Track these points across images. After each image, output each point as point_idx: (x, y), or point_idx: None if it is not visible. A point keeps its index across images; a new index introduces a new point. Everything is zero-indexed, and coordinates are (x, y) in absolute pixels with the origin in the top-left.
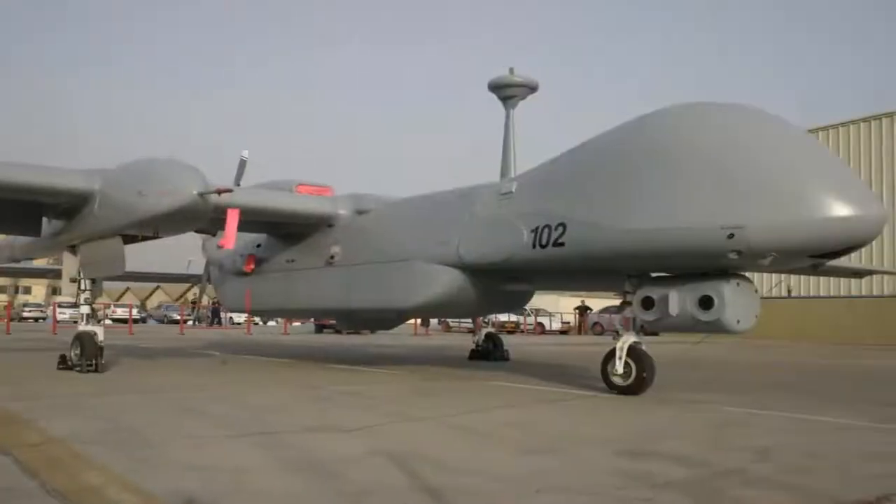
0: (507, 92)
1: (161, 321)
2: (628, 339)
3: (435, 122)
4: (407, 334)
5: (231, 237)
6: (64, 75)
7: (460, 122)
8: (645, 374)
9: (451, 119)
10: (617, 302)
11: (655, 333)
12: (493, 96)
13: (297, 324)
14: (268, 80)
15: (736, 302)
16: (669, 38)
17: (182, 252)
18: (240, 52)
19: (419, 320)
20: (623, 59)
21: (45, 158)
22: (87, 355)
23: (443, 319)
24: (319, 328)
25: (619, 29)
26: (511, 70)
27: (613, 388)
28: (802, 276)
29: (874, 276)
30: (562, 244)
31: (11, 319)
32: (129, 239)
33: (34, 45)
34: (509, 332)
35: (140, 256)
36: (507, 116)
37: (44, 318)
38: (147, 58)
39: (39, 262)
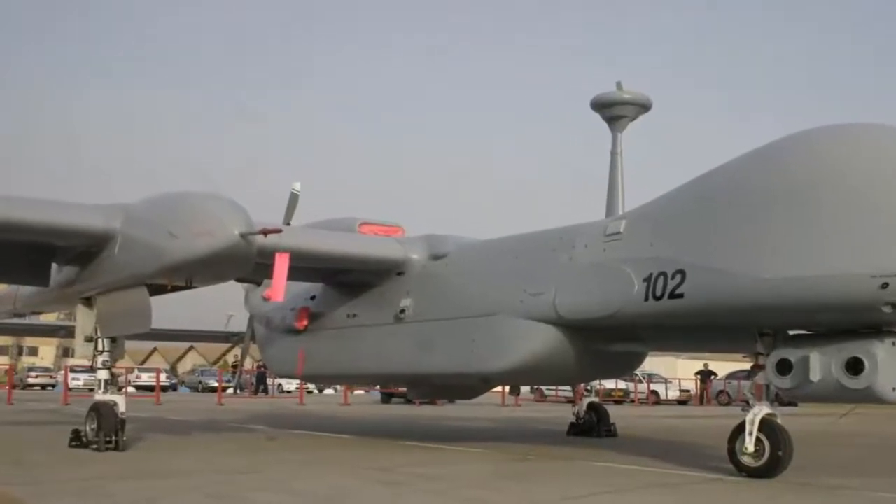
0: (614, 111)
1: (195, 389)
2: (760, 410)
3: (525, 147)
4: (492, 405)
5: (280, 287)
6: (77, 87)
7: (556, 147)
8: (780, 453)
9: (545, 144)
10: (747, 366)
11: (793, 404)
12: (597, 116)
13: (359, 392)
14: (322, 98)
15: (891, 365)
16: (813, 50)
17: (220, 306)
18: (287, 64)
19: (507, 388)
20: (754, 74)
21: (53, 191)
22: (105, 430)
23: (536, 387)
24: (387, 397)
25: (751, 37)
26: (619, 85)
27: (743, 470)
28: None
29: None
30: (680, 295)
31: (14, 386)
32: (156, 289)
33: (40, 54)
34: (616, 403)
35: (170, 310)
36: (615, 141)
37: (53, 386)
38: (176, 70)
39: (48, 318)
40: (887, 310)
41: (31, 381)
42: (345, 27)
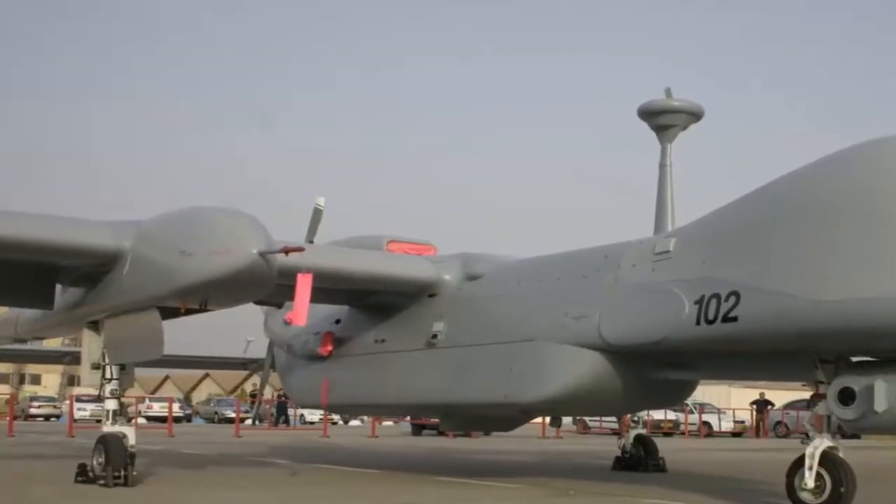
0: (663, 120)
1: (210, 420)
2: (821, 443)
3: (566, 160)
4: (532, 437)
5: (302, 310)
6: (86, 97)
7: (600, 160)
8: (843, 490)
9: (587, 157)
10: (806, 395)
11: (857, 436)
12: (645, 125)
13: (388, 423)
14: (348, 108)
15: None
16: (872, 56)
17: (238, 330)
18: (310, 72)
19: (547, 419)
20: (814, 80)
21: (58, 207)
22: (113, 465)
23: (579, 418)
24: (418, 429)
25: (811, 40)
26: (668, 91)
27: None
28: None
29: None
30: (734, 319)
31: (15, 417)
32: (169, 312)
33: (46, 64)
34: (666, 435)
35: (184, 335)
36: (663, 152)
37: (57, 416)
38: (194, 79)
39: (52, 343)
40: None
41: (33, 411)
42: (372, 32)
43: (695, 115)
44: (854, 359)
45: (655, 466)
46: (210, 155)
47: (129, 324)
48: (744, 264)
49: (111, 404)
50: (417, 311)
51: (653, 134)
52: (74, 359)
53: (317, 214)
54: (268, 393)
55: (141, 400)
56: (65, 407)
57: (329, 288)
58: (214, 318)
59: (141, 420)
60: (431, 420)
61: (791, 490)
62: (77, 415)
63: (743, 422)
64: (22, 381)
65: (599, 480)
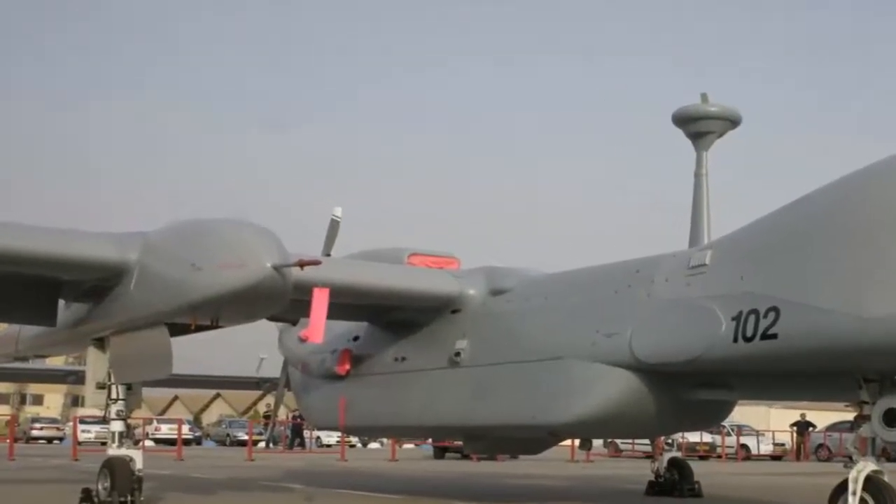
0: (699, 126)
1: (222, 442)
2: (865, 466)
3: (596, 169)
4: (560, 460)
5: (318, 327)
6: (87, 99)
7: (633, 168)
8: None
9: (619, 165)
10: (849, 416)
11: None
12: (680, 132)
13: (409, 446)
14: (366, 116)
15: None
16: None
17: (251, 348)
18: (327, 77)
19: (577, 441)
20: (857, 85)
21: (62, 218)
22: (119, 490)
23: (610, 440)
24: (440, 452)
25: (852, 43)
26: (703, 97)
27: None
28: None
29: None
30: (773, 336)
31: (16, 440)
32: (178, 329)
33: (48, 66)
34: (701, 458)
35: (193, 353)
36: (699, 160)
37: (60, 439)
38: (207, 84)
39: (54, 362)
40: None
41: (35, 433)
42: (395, 33)
43: (732, 121)
44: None
45: (691, 491)
46: (221, 162)
47: (136, 341)
48: (784, 278)
49: (117, 426)
50: (440, 328)
51: (688, 141)
52: (78, 378)
53: (334, 226)
54: (282, 414)
55: (148, 421)
56: (68, 429)
57: (347, 303)
58: (226, 335)
59: (148, 443)
60: (455, 443)
61: None
62: (81, 437)
63: (783, 444)
64: (23, 401)
65: None
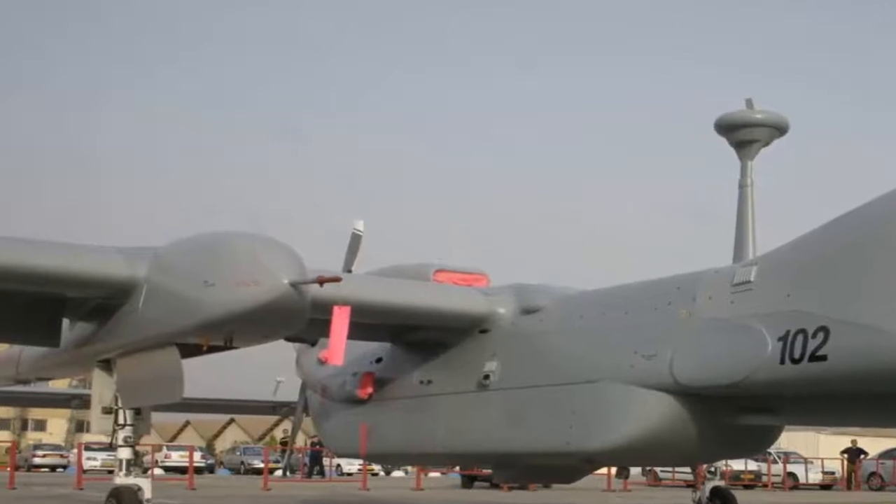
0: (744, 134)
1: (236, 470)
2: None
3: (631, 178)
4: (596, 489)
5: (339, 348)
6: (90, 105)
7: (673, 178)
8: None
9: (659, 176)
10: None
11: None
12: (723, 140)
13: (434, 474)
14: (390, 128)
15: None
16: None
17: (267, 370)
18: (348, 86)
19: (613, 469)
20: None
21: (65, 232)
22: None
23: (649, 468)
24: (468, 480)
25: None
26: (749, 102)
27: None
28: None
29: None
30: (822, 357)
31: (18, 467)
32: (189, 350)
33: (48, 66)
34: (746, 487)
35: (206, 376)
36: (744, 170)
37: (64, 467)
38: (221, 92)
39: (58, 385)
40: None
41: (37, 461)
42: (419, 37)
43: (779, 129)
44: None
45: None
46: (237, 174)
47: (145, 363)
48: (834, 296)
49: (125, 453)
50: (467, 349)
51: (731, 150)
52: (83, 402)
53: (355, 241)
54: (300, 440)
55: (158, 448)
56: (73, 456)
57: (369, 323)
58: (240, 356)
59: (158, 471)
60: (484, 471)
61: None
62: (86, 465)
63: (833, 473)
64: (25, 427)
65: None
